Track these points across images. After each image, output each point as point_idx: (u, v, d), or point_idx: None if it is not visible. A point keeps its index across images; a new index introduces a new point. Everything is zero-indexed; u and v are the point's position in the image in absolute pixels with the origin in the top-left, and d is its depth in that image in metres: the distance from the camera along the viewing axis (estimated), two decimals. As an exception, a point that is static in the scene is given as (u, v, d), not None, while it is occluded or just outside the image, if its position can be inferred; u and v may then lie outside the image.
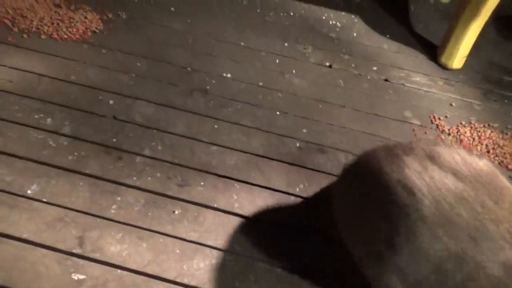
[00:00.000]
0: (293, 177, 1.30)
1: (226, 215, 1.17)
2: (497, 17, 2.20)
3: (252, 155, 1.33)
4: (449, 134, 1.54)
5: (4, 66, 1.45)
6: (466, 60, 1.85)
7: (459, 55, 1.81)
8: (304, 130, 1.45)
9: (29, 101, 1.35)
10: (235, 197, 1.21)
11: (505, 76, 1.91)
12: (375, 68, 1.78)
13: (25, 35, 1.57)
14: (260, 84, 1.59)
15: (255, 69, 1.64)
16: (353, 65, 1.77)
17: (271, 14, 1.95)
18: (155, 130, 1.34)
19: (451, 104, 1.68)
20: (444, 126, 1.57)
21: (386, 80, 1.73)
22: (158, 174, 1.22)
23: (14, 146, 1.21)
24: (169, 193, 1.19)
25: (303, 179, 1.30)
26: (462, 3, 1.74)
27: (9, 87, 1.38)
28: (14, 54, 1.50)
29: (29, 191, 1.12)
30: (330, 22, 1.99)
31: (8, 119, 1.28)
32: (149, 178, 1.21)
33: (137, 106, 1.40)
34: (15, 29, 1.58)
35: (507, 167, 1.47)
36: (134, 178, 1.20)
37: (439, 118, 1.60)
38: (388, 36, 1.98)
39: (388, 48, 1.91)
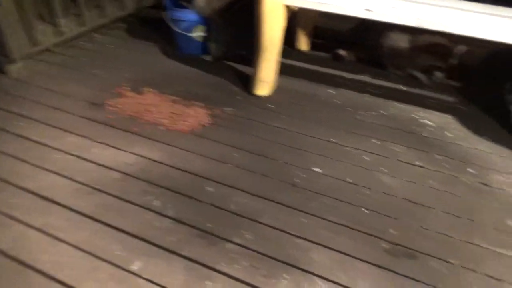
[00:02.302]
0: (382, 282, 1.25)
1: (309, 314, 1.16)
2: None
3: (337, 252, 1.33)
4: None
5: (127, 151, 1.72)
6: None
7: None
8: (393, 231, 1.42)
9: (142, 184, 1.57)
10: (319, 296, 1.21)
11: None
12: (471, 171, 1.71)
13: (147, 126, 1.87)
14: (349, 180, 1.63)
15: (344, 165, 1.70)
16: (447, 166, 1.73)
17: (362, 113, 2.04)
18: (247, 219, 1.44)
19: None
20: (557, 242, 1.41)
21: (484, 184, 1.65)
22: (246, 263, 1.28)
23: (127, 224, 1.40)
24: (254, 283, 1.23)
25: (392, 285, 1.25)
26: None
27: (129, 170, 1.63)
28: (136, 141, 1.78)
29: (133, 267, 1.26)
30: (423, 122, 2.01)
31: (125, 199, 1.49)
32: (237, 266, 1.27)
33: (233, 195, 1.53)
34: (140, 121, 1.90)
35: None
36: (224, 264, 1.28)
37: (551, 232, 1.45)
38: (485, 137, 1.92)
39: (485, 149, 1.85)
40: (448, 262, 1.32)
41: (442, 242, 1.39)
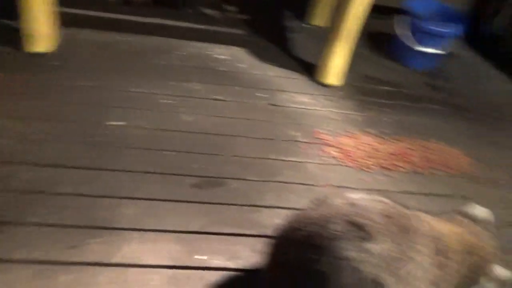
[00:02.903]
0: (191, 215, 1.30)
1: (125, 268, 1.13)
2: (369, 35, 2.47)
3: (145, 200, 1.32)
4: (332, 146, 1.67)
5: None
6: (342, 76, 2.04)
7: (335, 72, 2.00)
8: (197, 166, 1.47)
9: None
10: (133, 248, 1.18)
11: (378, 86, 2.14)
12: (262, 95, 1.88)
13: None
14: (152, 127, 1.59)
15: (145, 113, 1.65)
16: (242, 95, 1.86)
17: (158, 56, 1.98)
18: (39, 194, 1.27)
19: (332, 118, 1.84)
20: (327, 139, 1.70)
21: (273, 104, 1.84)
22: (46, 242, 1.15)
23: None
24: (60, 259, 1.12)
25: (201, 214, 1.31)
26: (332, 27, 1.94)
27: None
28: None
29: None
30: (218, 57, 2.08)
31: None
32: (35, 248, 1.13)
33: (16, 173, 1.32)
34: None
35: (385, 167, 1.63)
36: (18, 252, 1.12)
37: (323, 133, 1.73)
38: (272, 63, 2.12)
39: (273, 74, 2.04)
40: (249, 180, 1.46)
41: (242, 164, 1.52)
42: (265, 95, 1.89)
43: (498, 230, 1.29)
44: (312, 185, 1.50)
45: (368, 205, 0.82)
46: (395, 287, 0.76)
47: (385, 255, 0.75)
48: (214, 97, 1.81)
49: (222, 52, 2.12)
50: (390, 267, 0.75)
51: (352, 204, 0.82)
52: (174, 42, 2.13)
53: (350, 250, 0.74)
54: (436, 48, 2.31)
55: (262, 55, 2.16)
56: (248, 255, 1.20)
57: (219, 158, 1.52)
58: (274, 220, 1.32)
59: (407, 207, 0.92)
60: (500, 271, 0.90)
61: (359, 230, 0.76)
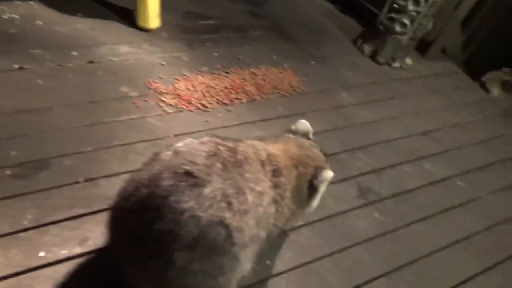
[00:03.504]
0: (21, 210, 1.11)
1: None
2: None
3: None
4: (167, 93, 1.60)
5: None
6: (162, 17, 1.91)
7: (152, 14, 1.85)
8: (13, 153, 1.24)
9: None
10: None
11: (200, 21, 2.08)
12: (75, 53, 1.64)
13: None
14: None
15: None
16: (49, 58, 1.59)
17: None
18: None
19: (161, 64, 1.74)
20: (161, 88, 1.61)
21: (91, 62, 1.63)
22: None
23: None
24: None
25: (33, 206, 1.13)
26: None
27: None
28: None
29: None
30: (4, 17, 1.70)
31: None
32: None
33: None
34: None
35: (223, 102, 1.65)
36: None
37: (155, 82, 1.63)
38: (79, 14, 1.84)
39: (83, 27, 1.79)
40: (83, 152, 1.30)
41: (71, 136, 1.34)
42: (79, 53, 1.65)
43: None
44: (155, 139, 1.43)
45: (193, 150, 0.80)
46: (239, 221, 0.78)
47: (221, 194, 0.76)
48: (13, 67, 1.50)
49: (8, 11, 1.74)
50: (230, 204, 0.77)
51: (177, 153, 0.79)
52: None
53: (186, 201, 0.72)
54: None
55: (64, 7, 1.85)
56: (100, 233, 1.10)
57: (40, 137, 1.31)
58: (121, 187, 1.22)
59: (240, 140, 0.93)
60: (327, 173, 1.01)
61: (189, 178, 0.74)
